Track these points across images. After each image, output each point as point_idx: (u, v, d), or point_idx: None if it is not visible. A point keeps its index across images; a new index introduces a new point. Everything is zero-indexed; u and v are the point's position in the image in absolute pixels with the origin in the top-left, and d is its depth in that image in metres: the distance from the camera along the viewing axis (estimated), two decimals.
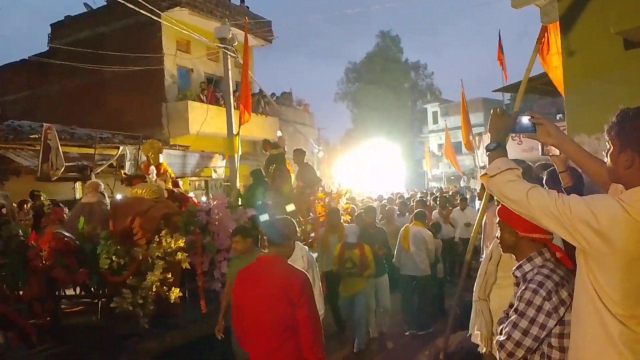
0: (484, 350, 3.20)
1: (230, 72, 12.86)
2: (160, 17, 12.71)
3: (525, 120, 2.05)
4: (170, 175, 7.22)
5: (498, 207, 2.22)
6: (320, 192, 8.74)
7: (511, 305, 2.13)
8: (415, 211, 7.62)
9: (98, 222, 5.24)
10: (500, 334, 2.06)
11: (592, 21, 4.01)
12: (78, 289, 5.38)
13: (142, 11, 10.89)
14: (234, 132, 11.51)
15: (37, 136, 10.88)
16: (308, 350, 2.80)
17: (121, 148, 12.32)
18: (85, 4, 18.86)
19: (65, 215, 6.41)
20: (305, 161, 9.35)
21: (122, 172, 9.07)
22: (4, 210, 6.47)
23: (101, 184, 6.70)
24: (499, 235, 2.24)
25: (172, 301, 4.41)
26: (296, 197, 7.70)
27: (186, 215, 4.98)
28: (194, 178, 15.96)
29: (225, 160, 14.87)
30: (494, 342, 2.26)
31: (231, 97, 13.11)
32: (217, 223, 5.22)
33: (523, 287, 2.01)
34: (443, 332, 6.10)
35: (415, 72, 42.69)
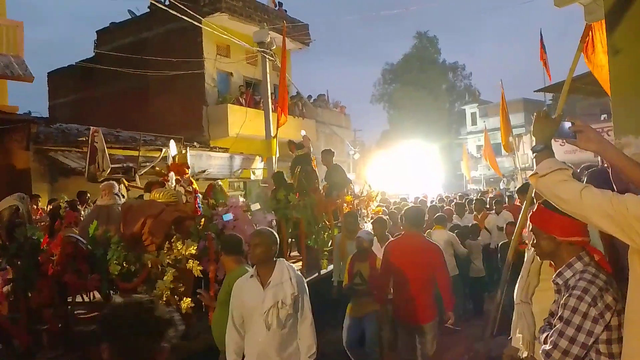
0: (525, 355, 3.16)
1: (268, 76, 13.06)
2: (201, 23, 13.04)
3: (566, 125, 2.04)
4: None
5: (530, 214, 2.19)
6: (349, 194, 8.30)
7: (551, 313, 2.10)
8: (436, 215, 7.58)
9: (113, 225, 5.04)
10: (545, 342, 2.03)
11: None
12: (96, 294, 5.08)
13: (183, 17, 11.20)
14: (272, 134, 11.67)
15: (84, 139, 11.35)
16: (445, 290, 4.60)
17: (164, 150, 12.68)
18: (129, 11, 19.50)
19: (81, 218, 6.33)
20: (334, 162, 8.82)
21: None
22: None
23: (116, 185, 6.40)
24: (534, 242, 2.20)
25: (183, 311, 4.10)
26: (321, 199, 7.37)
27: (199, 220, 4.72)
28: (233, 179, 16.27)
29: (263, 162, 15.10)
30: (538, 347, 2.22)
31: (269, 100, 13.31)
32: (233, 227, 4.93)
33: (566, 294, 1.97)
34: (476, 334, 6.05)
35: (453, 72, 42.14)
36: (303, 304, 3.30)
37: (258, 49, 12.60)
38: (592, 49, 4.61)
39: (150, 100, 17.38)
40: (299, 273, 3.37)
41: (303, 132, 9.97)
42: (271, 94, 14.03)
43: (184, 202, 5.98)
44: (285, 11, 20.29)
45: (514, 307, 3.26)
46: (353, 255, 5.27)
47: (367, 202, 8.74)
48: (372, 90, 43.41)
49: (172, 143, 7.95)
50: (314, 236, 6.93)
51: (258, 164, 16.26)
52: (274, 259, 3.31)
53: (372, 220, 6.96)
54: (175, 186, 6.47)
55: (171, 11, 11.28)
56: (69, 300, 4.62)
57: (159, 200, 4.86)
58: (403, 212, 6.09)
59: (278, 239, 3.37)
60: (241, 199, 7.81)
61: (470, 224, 8.40)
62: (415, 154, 21.23)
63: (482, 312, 7.37)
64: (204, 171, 14.45)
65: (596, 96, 7.23)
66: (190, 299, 4.24)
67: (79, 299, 5.03)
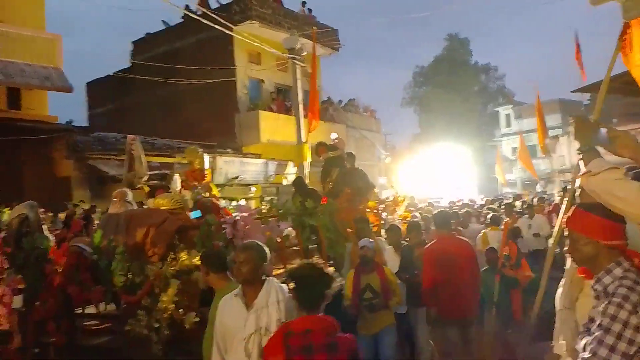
0: None
1: (299, 82, 13.18)
2: (232, 31, 13.27)
3: (602, 131, 2.03)
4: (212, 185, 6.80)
5: (566, 218, 2.14)
6: (372, 199, 7.92)
7: (591, 319, 2.05)
8: (491, 215, 7.46)
9: (120, 234, 4.70)
10: (583, 350, 1.98)
11: None
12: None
13: (215, 26, 11.43)
14: (303, 139, 11.74)
15: (121, 146, 11.68)
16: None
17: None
18: (163, 22, 19.99)
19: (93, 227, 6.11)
20: (356, 165, 8.59)
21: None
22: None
23: (129, 192, 6.11)
24: (572, 248, 2.14)
25: (187, 327, 3.82)
26: (343, 205, 6.92)
27: (204, 229, 4.40)
28: (266, 185, 16.44)
29: (295, 168, 15.20)
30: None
31: (300, 105, 13.42)
32: (243, 236, 4.62)
33: (606, 302, 1.92)
34: (515, 340, 5.92)
35: (485, 74, 41.46)
36: None
37: (288, 55, 12.73)
38: (630, 47, 4.49)
39: (183, 108, 17.75)
40: (290, 297, 2.81)
41: (334, 135, 9.65)
42: (302, 99, 14.14)
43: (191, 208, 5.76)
44: (315, 17, 20.42)
45: (556, 314, 3.20)
46: (356, 268, 4.89)
47: (393, 208, 8.32)
48: (402, 93, 43.12)
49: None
50: (334, 244, 6.40)
51: (290, 170, 16.38)
52: (263, 277, 2.93)
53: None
54: (180, 190, 6.34)
55: (203, 20, 11.53)
56: (75, 311, 4.46)
57: (163, 207, 4.66)
58: (432, 216, 6.19)
59: (268, 255, 3.01)
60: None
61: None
62: (447, 157, 20.97)
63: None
64: (237, 177, 14.65)
65: (635, 95, 7.02)
66: (195, 313, 3.91)
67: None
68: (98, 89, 20.90)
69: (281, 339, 2.50)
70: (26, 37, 11.81)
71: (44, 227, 5.25)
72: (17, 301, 4.35)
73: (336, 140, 8.74)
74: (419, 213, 9.20)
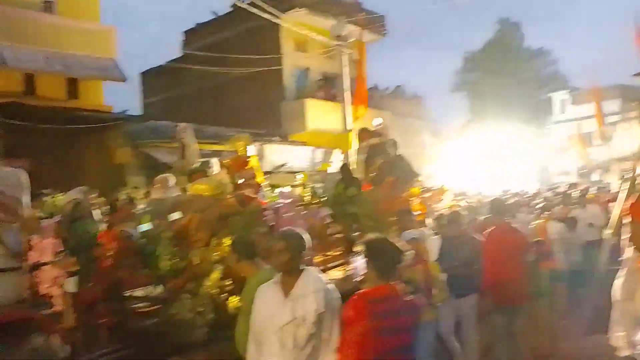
0: (626, 353, 3.02)
1: (345, 69, 13.15)
2: (279, 19, 13.37)
3: None
4: (257, 172, 6.80)
5: (630, 206, 2.08)
6: (416, 188, 7.59)
7: None
8: (541, 205, 7.30)
9: (165, 219, 4.78)
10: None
11: None
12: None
13: (263, 14, 11.54)
14: (349, 127, 11.74)
15: (173, 135, 12.05)
16: None
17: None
18: (213, 11, 20.35)
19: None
20: (398, 153, 8.17)
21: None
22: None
23: (172, 178, 6.25)
24: (634, 236, 2.08)
25: (230, 311, 3.82)
26: (385, 194, 6.66)
27: (247, 216, 4.40)
28: (311, 172, 16.55)
29: (341, 155, 15.23)
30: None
31: (346, 93, 13.40)
32: (284, 224, 4.57)
33: None
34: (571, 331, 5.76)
35: (539, 59, 39.89)
36: (331, 325, 2.74)
37: (335, 42, 12.71)
38: None
39: (232, 96, 18.08)
40: (331, 287, 2.84)
41: (379, 120, 9.18)
42: (348, 87, 14.10)
43: (231, 192, 5.60)
44: (361, 3, 20.23)
45: (613, 305, 3.12)
46: None
47: (438, 197, 8.01)
48: (452, 79, 42.15)
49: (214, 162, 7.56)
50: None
51: (336, 157, 16.43)
52: (302, 267, 2.84)
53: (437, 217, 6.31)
54: (219, 174, 6.18)
55: (251, 9, 11.67)
56: (125, 294, 4.60)
57: (203, 192, 4.70)
58: (489, 202, 6.18)
59: (307, 243, 2.87)
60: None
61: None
62: (497, 144, 20.44)
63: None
64: (283, 165, 14.83)
65: None
66: (238, 298, 3.86)
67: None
68: (151, 79, 21.57)
69: (365, 305, 2.68)
70: (84, 30, 12.34)
71: (96, 212, 5.40)
72: (71, 283, 4.47)
73: (380, 126, 8.40)
74: (465, 202, 9.05)
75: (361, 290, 2.86)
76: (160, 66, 21.04)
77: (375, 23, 19.33)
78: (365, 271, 2.95)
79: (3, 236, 3.67)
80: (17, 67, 11.14)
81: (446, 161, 17.63)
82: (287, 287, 2.77)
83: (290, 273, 2.79)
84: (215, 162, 6.95)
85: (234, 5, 16.79)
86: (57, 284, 4.50)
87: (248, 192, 6.42)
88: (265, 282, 2.92)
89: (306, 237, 2.87)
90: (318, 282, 2.77)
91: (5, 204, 3.55)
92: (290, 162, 15.13)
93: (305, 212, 5.01)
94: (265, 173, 13.53)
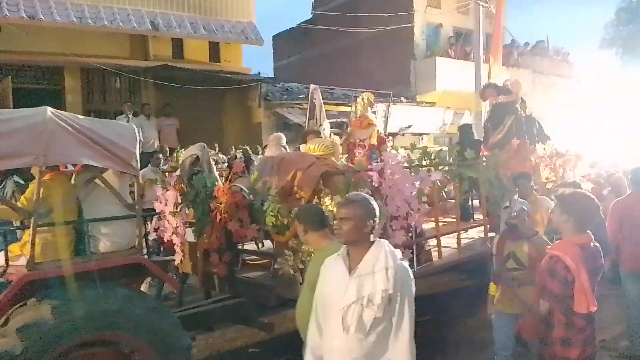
0: None
1: (481, 24, 12.39)
2: None
3: None
4: (377, 132, 6.57)
5: None
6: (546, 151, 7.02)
7: None
8: None
9: (274, 177, 4.79)
10: None
11: None
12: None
13: None
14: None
15: (303, 96, 12.47)
16: None
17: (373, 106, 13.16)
18: None
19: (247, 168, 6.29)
20: (528, 113, 7.65)
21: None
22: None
23: (283, 137, 6.26)
24: None
25: None
26: (511, 156, 6.14)
27: (349, 175, 4.26)
28: (438, 135, 16.13)
29: (472, 117, 14.60)
30: None
31: (480, 50, 12.66)
32: (390, 186, 4.35)
33: None
34: None
35: None
36: (402, 309, 2.36)
37: None
38: None
39: (361, 57, 18.04)
40: (405, 264, 2.45)
41: (507, 77, 8.44)
42: (483, 43, 13.31)
43: (343, 153, 5.62)
44: None
45: None
46: (502, 232, 4.32)
47: (574, 163, 7.25)
48: (602, 33, 37.59)
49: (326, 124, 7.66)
50: (497, 201, 5.74)
51: (466, 119, 15.77)
52: (371, 238, 2.46)
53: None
54: (331, 134, 6.29)
55: None
56: (237, 246, 4.81)
57: (314, 152, 4.66)
58: (631, 171, 5.55)
59: (377, 210, 2.49)
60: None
61: None
62: None
63: None
64: (410, 126, 14.61)
65: None
66: None
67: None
68: (283, 42, 22.28)
69: (580, 252, 2.87)
70: None
71: (214, 167, 5.51)
72: (190, 234, 4.87)
73: (509, 83, 7.68)
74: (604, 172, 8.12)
75: (563, 241, 3.01)
76: (291, 29, 21.61)
77: None
78: (560, 223, 3.03)
79: (119, 187, 3.98)
80: (168, 33, 12.20)
81: (589, 126, 16.01)
82: (353, 262, 2.43)
83: (357, 245, 2.43)
84: (327, 124, 6.88)
85: None
86: (177, 233, 4.97)
87: (359, 152, 6.37)
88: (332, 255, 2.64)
89: (375, 204, 2.50)
90: (389, 258, 2.38)
91: (120, 156, 3.78)
92: (418, 124, 14.86)
93: (413, 175, 4.70)
94: (391, 135, 13.55)
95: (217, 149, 10.29)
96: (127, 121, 10.44)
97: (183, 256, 5.00)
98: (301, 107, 12.53)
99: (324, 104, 11.00)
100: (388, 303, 2.33)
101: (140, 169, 4.75)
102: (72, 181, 4.15)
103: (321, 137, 5.79)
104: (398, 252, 2.46)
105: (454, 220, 5.57)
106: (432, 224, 5.16)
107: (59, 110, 3.69)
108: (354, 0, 18.28)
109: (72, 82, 11.53)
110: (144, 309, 3.61)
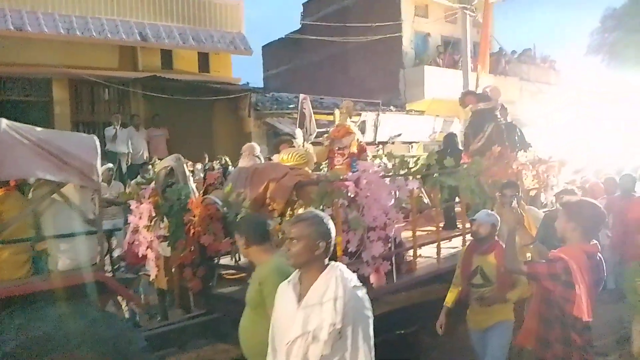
0: None
1: (468, 33, 12.53)
2: None
3: None
4: (357, 140, 6.61)
5: None
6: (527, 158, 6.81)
7: None
8: None
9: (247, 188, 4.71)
10: None
11: None
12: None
13: None
14: None
15: (293, 105, 12.49)
16: None
17: (362, 114, 13.23)
18: None
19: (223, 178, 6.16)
20: (512, 119, 7.53)
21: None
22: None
23: (257, 146, 6.15)
24: None
25: None
26: (491, 164, 5.95)
27: (323, 185, 4.07)
28: (427, 142, 16.21)
29: (461, 124, 14.70)
30: None
31: (468, 58, 12.79)
32: (367, 196, 4.21)
33: None
34: None
35: None
36: (356, 344, 2.05)
37: (458, 5, 12.13)
38: None
39: (350, 66, 18.14)
40: (361, 293, 2.13)
41: (487, 85, 8.30)
42: (471, 51, 13.44)
43: (318, 161, 5.62)
44: None
45: None
46: (469, 244, 4.10)
47: (558, 169, 7.05)
48: (587, 40, 38.11)
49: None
50: (479, 209, 5.33)
51: (456, 127, 15.88)
52: (325, 262, 2.19)
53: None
54: (303, 143, 6.23)
55: None
56: (213, 260, 4.64)
57: (287, 162, 4.58)
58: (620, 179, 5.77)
59: (331, 230, 2.20)
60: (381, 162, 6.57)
61: None
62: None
63: None
64: (399, 134, 14.67)
65: None
66: None
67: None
68: (272, 52, 22.32)
69: (586, 259, 2.80)
70: (214, 5, 13.09)
71: (191, 178, 5.31)
72: (165, 247, 4.68)
73: (488, 89, 7.63)
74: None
75: (569, 246, 2.89)
76: (280, 39, 21.68)
77: None
78: (566, 231, 2.91)
79: (78, 202, 3.80)
80: (156, 43, 12.18)
81: (576, 132, 16.16)
82: (304, 289, 2.16)
83: (308, 269, 2.16)
84: (299, 133, 6.80)
85: None
86: (152, 247, 4.78)
87: (337, 160, 6.28)
88: (281, 273, 2.45)
89: (330, 223, 2.22)
90: (339, 287, 2.06)
91: (79, 169, 3.61)
92: (408, 132, 14.93)
93: (391, 183, 4.55)
94: (380, 143, 13.60)
95: (207, 159, 10.25)
96: (116, 132, 10.45)
97: (158, 271, 4.82)
98: (291, 116, 12.55)
99: (314, 113, 11.04)
100: (338, 338, 2.03)
101: (131, 180, 4.70)
102: (30, 195, 4.00)
103: (294, 147, 5.73)
104: (353, 278, 2.16)
105: (435, 229, 5.39)
106: (419, 232, 5.03)
107: (14, 123, 3.56)
108: (343, 10, 18.41)
109: (60, 94, 11.44)
110: (107, 330, 3.44)
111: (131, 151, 10.84)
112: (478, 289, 3.86)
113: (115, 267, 4.77)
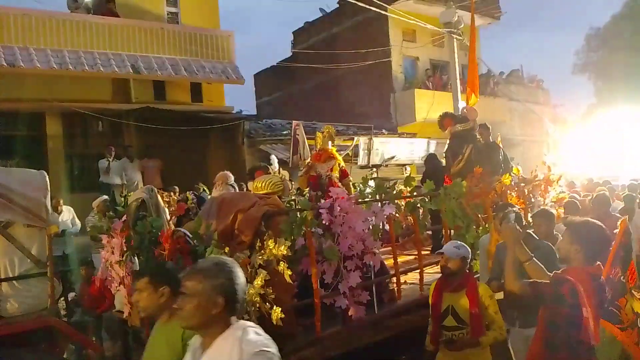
0: None
1: (456, 56, 12.74)
2: (387, 10, 13.30)
3: None
4: (338, 164, 6.58)
5: None
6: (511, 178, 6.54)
7: None
8: None
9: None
10: None
11: None
12: None
13: (370, 7, 11.56)
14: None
15: (286, 132, 12.58)
16: None
17: (355, 139, 13.33)
18: (321, 9, 20.76)
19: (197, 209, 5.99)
20: (492, 140, 7.51)
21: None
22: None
23: (231, 175, 5.94)
24: None
25: (274, 322, 3.42)
26: (473, 186, 5.81)
27: (293, 216, 3.93)
28: (420, 164, 16.31)
29: None
30: None
31: (457, 81, 12.97)
32: (342, 224, 4.07)
33: None
34: None
35: None
36: None
37: (445, 29, 12.37)
38: None
39: (341, 91, 18.36)
40: (270, 356, 1.77)
41: (463, 105, 8.55)
42: (459, 74, 13.65)
43: (303, 187, 5.48)
44: None
45: None
46: (438, 280, 3.61)
47: (544, 188, 6.90)
48: (573, 59, 38.85)
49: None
50: (463, 232, 5.44)
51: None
52: (232, 321, 1.85)
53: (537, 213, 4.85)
54: (279, 170, 6.09)
55: (359, 2, 11.75)
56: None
57: (261, 190, 4.42)
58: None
59: (236, 281, 1.85)
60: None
61: None
62: (629, 129, 18.50)
63: None
64: (393, 157, 14.76)
65: None
66: (280, 309, 3.48)
67: None
68: (264, 80, 22.57)
69: (592, 281, 2.72)
70: (205, 36, 13.26)
71: (165, 210, 5.14)
72: None
73: (465, 111, 7.69)
74: (584, 194, 7.85)
75: (574, 268, 2.79)
76: (272, 67, 21.95)
77: (487, 6, 18.46)
78: (569, 253, 2.80)
79: (26, 242, 3.62)
80: (149, 75, 12.28)
81: (566, 148, 16.34)
82: (204, 349, 1.85)
83: (206, 331, 1.83)
84: (274, 159, 6.62)
85: (341, 1, 17.01)
86: (124, 283, 4.49)
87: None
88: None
89: (238, 271, 1.89)
90: (235, 352, 1.74)
91: (26, 207, 3.44)
92: (401, 155, 15.02)
93: (366, 210, 4.41)
94: (374, 166, 13.66)
95: (202, 189, 10.23)
96: (109, 164, 10.44)
97: (131, 308, 4.52)
98: (284, 143, 12.62)
99: (307, 139, 11.12)
100: None
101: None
102: None
103: (270, 173, 5.67)
104: (260, 340, 1.80)
105: (427, 252, 5.37)
106: (405, 258, 5.01)
107: None
108: (332, 38, 18.74)
109: (53, 128, 11.45)
110: None
111: (125, 182, 10.81)
112: (451, 332, 3.39)
113: (72, 309, 4.48)
